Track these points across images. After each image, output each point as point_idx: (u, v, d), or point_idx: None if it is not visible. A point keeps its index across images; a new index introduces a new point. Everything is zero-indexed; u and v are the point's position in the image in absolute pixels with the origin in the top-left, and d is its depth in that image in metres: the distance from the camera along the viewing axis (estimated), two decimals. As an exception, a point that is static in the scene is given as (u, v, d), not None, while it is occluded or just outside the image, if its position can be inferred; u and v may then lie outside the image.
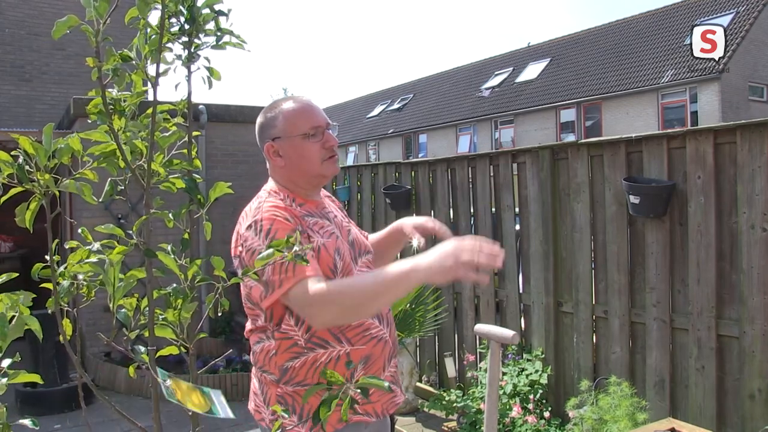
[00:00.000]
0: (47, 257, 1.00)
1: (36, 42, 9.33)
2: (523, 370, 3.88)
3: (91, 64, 1.00)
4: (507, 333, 2.58)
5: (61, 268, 1.03)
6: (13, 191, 0.95)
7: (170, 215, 1.07)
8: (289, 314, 1.55)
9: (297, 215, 1.57)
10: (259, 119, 1.70)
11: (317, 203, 1.70)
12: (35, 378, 0.97)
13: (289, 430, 1.54)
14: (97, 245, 1.01)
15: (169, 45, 1.06)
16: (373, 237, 1.91)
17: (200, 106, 6.14)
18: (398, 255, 2.05)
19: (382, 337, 1.62)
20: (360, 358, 1.57)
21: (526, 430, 3.55)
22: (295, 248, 1.05)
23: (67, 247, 1.11)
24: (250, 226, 1.53)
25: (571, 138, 20.26)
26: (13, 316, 0.87)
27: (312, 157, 1.63)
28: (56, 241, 1.00)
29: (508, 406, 3.66)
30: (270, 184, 1.69)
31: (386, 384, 1.08)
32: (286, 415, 1.11)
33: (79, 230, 1.12)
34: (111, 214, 5.73)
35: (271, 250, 1.11)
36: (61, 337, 1.03)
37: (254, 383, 1.69)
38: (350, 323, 1.56)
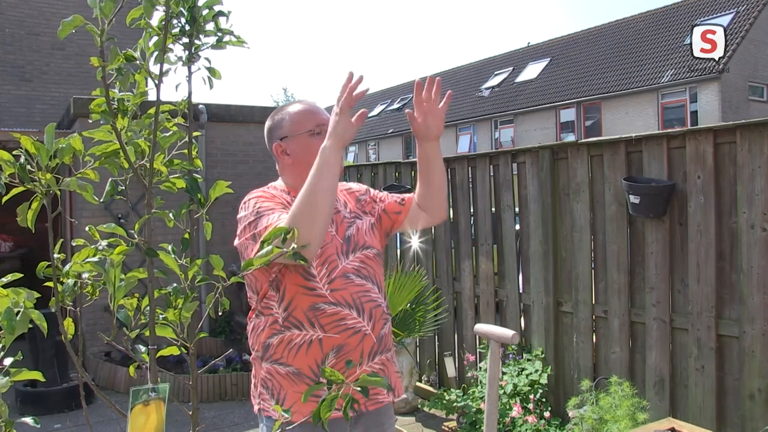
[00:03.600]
0: (51, 256, 1.00)
1: (36, 42, 9.33)
2: (523, 369, 3.88)
3: (96, 63, 1.00)
4: (507, 333, 2.59)
5: (66, 267, 1.03)
6: (13, 191, 0.96)
7: (170, 215, 1.08)
8: (273, 288, 1.65)
9: (286, 201, 1.67)
10: (267, 123, 1.81)
11: None
12: (36, 375, 0.98)
13: (266, 413, 1.68)
14: (104, 243, 1.02)
15: (170, 46, 1.06)
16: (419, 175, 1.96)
17: (200, 106, 6.14)
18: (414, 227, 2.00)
19: (359, 330, 1.64)
20: (332, 346, 1.61)
21: (526, 429, 3.56)
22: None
23: (74, 244, 1.12)
24: (241, 209, 1.68)
25: (571, 138, 20.26)
26: (18, 312, 0.88)
27: (318, 152, 1.67)
28: (61, 240, 1.00)
29: (508, 406, 3.66)
30: (276, 182, 1.81)
31: (384, 380, 1.10)
32: (287, 415, 1.13)
33: (86, 228, 1.12)
34: (111, 213, 5.73)
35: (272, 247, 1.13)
36: (62, 337, 1.03)
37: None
38: (322, 233, 1.49)
